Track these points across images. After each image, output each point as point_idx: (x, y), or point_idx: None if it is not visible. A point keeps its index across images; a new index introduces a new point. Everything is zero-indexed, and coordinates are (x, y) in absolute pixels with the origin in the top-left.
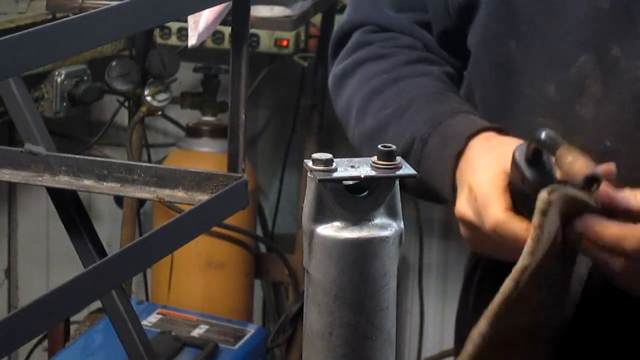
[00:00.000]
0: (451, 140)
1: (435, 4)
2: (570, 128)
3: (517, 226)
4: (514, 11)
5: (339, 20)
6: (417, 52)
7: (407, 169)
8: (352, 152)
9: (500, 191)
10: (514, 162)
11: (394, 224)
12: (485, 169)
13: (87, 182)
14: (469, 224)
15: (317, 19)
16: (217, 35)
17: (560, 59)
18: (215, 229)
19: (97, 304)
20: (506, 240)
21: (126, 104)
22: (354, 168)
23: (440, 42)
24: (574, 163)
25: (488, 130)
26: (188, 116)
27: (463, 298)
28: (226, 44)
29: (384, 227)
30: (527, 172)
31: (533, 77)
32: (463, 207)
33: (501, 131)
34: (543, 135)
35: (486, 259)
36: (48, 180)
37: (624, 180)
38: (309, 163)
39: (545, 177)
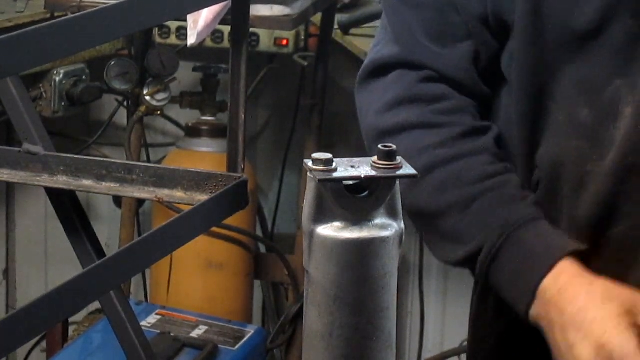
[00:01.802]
0: (530, 264)
1: (477, 28)
2: (602, 149)
3: None
4: (544, 43)
5: (339, 18)
6: (468, 122)
7: (407, 169)
8: (352, 152)
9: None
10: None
11: (394, 224)
12: (616, 326)
13: (86, 182)
14: None
15: (317, 18)
16: (216, 35)
17: (594, 83)
18: (215, 229)
19: (95, 305)
20: None
21: (125, 103)
22: (354, 168)
23: (484, 72)
24: None
25: (568, 255)
26: (187, 116)
27: (480, 299)
28: (226, 43)
29: (384, 227)
30: None
31: (565, 101)
32: (580, 351)
33: (578, 253)
34: None
35: None
36: (46, 180)
37: None
38: (309, 163)
39: None
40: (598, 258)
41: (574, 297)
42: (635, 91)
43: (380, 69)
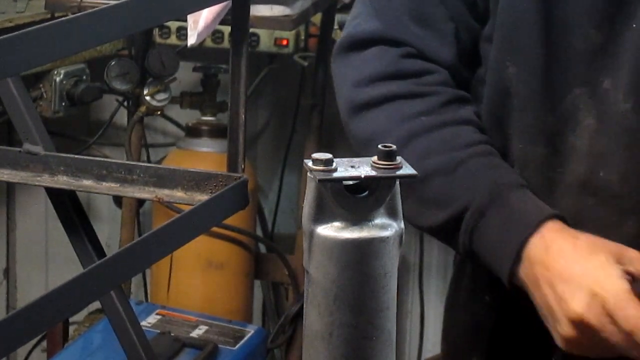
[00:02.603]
0: (516, 223)
1: (460, 11)
2: (566, 158)
3: None
4: (516, 38)
5: (339, 18)
6: (451, 91)
7: (407, 169)
8: (352, 152)
9: (634, 298)
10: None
11: (394, 224)
12: (608, 276)
13: (86, 182)
14: (586, 327)
15: (317, 18)
16: (216, 35)
17: (557, 90)
18: (215, 229)
19: (96, 305)
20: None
21: (125, 103)
22: (354, 168)
23: (466, 56)
24: None
25: (554, 218)
26: (187, 116)
27: (456, 283)
28: (226, 44)
29: (384, 227)
30: None
31: (531, 105)
32: (583, 309)
33: (563, 218)
34: None
35: None
36: (47, 180)
37: (615, 209)
38: (309, 163)
39: None
40: None
41: (560, 252)
42: (594, 101)
43: (360, 43)
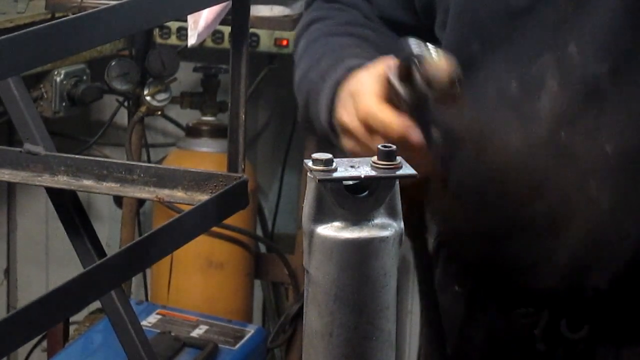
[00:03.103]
0: (334, 72)
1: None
2: (529, 121)
3: (388, 113)
4: (478, 17)
5: None
6: (361, 16)
7: (407, 169)
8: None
9: (377, 80)
10: (389, 83)
11: (394, 224)
12: (363, 72)
13: (87, 182)
14: (346, 129)
15: None
16: (216, 35)
17: (523, 58)
18: (215, 229)
19: (96, 304)
20: (375, 128)
21: (126, 103)
22: (354, 168)
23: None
24: (438, 69)
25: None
26: (188, 116)
27: (425, 274)
28: (226, 44)
29: (384, 227)
30: (401, 90)
31: (495, 75)
32: (340, 110)
33: None
34: (412, 47)
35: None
36: (47, 180)
37: (579, 170)
38: (309, 163)
39: (416, 91)
40: (523, 234)
41: (355, 74)
42: (560, 65)
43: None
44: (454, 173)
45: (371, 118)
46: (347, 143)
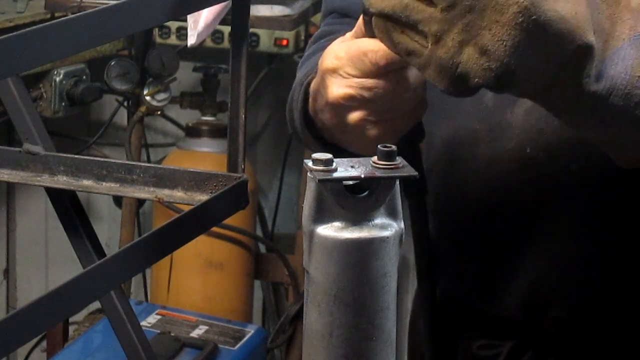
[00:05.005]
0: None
1: None
2: (500, 133)
3: (366, 40)
4: None
5: None
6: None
7: (407, 169)
8: (352, 152)
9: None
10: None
11: (394, 224)
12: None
13: (86, 182)
14: (336, 105)
15: (317, 18)
16: (216, 35)
17: None
18: (215, 229)
19: (96, 305)
20: (352, 55)
21: (125, 103)
22: (354, 168)
23: None
24: None
25: None
26: (187, 116)
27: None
28: (226, 44)
29: (384, 227)
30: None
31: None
32: (314, 84)
33: None
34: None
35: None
36: (47, 180)
37: (542, 188)
38: (309, 163)
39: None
40: (484, 254)
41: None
42: None
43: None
44: (431, 187)
45: (350, 47)
46: (351, 116)
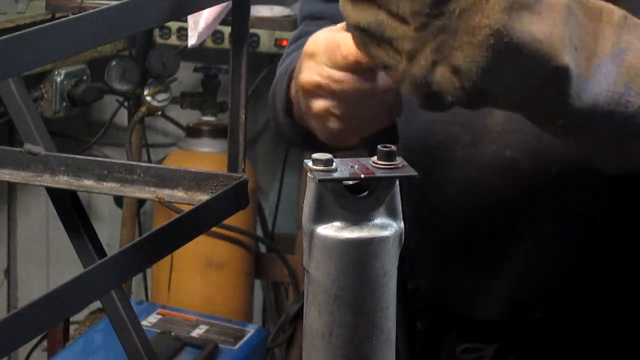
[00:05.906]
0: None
1: None
2: (479, 136)
3: (346, 34)
4: None
5: None
6: None
7: (407, 169)
8: (352, 152)
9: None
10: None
11: (394, 224)
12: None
13: (87, 182)
14: (307, 90)
15: None
16: (217, 35)
17: None
18: (215, 229)
19: (96, 304)
20: (331, 51)
21: (126, 104)
22: (354, 168)
23: None
24: None
25: None
26: (188, 116)
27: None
28: (226, 44)
29: (384, 227)
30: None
31: None
32: (303, 73)
33: None
34: None
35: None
36: (48, 180)
37: (523, 190)
38: (309, 163)
39: None
40: (465, 258)
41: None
42: None
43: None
44: (409, 191)
45: (330, 38)
46: (316, 104)
